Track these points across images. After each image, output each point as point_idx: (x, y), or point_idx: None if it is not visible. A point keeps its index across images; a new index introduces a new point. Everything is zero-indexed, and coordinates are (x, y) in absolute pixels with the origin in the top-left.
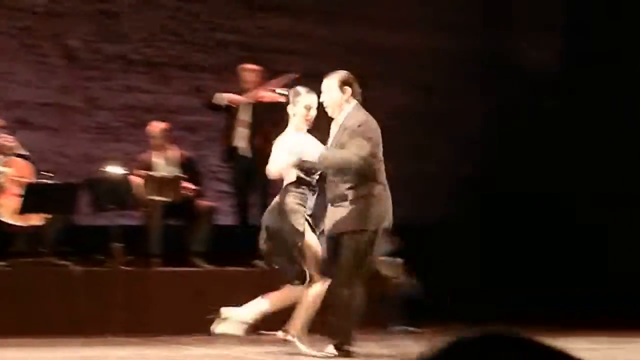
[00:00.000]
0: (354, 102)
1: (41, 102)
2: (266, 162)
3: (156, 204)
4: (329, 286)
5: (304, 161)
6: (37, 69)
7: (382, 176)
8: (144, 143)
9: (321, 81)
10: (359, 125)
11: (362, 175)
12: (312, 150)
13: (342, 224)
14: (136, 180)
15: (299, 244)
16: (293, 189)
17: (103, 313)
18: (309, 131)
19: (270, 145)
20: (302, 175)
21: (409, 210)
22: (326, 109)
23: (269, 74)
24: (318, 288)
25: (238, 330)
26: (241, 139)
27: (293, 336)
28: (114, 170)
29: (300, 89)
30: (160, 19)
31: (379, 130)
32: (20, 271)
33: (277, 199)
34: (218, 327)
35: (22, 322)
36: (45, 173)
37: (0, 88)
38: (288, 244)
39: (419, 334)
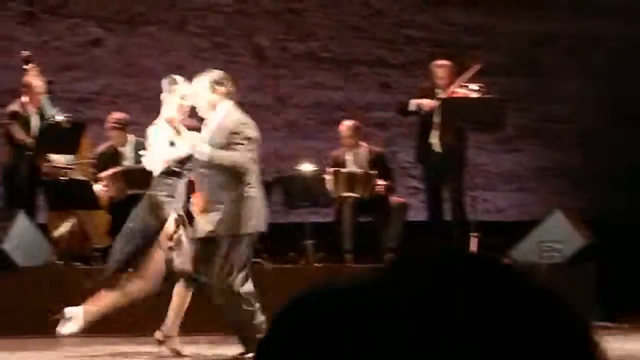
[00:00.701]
0: (228, 102)
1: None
2: (457, 158)
3: (348, 201)
4: (214, 290)
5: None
6: (227, 68)
7: (255, 177)
8: (334, 140)
9: (507, 74)
10: (240, 125)
11: (236, 177)
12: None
13: (217, 226)
14: (328, 177)
15: (166, 239)
16: (163, 180)
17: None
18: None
19: (461, 141)
20: (174, 167)
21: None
22: (197, 109)
23: (459, 69)
24: (182, 287)
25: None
26: (433, 136)
27: (163, 337)
28: (306, 167)
29: (177, 77)
30: (347, 16)
31: (256, 131)
32: None
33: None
34: (64, 328)
35: (214, 319)
36: None
37: None
38: (153, 240)
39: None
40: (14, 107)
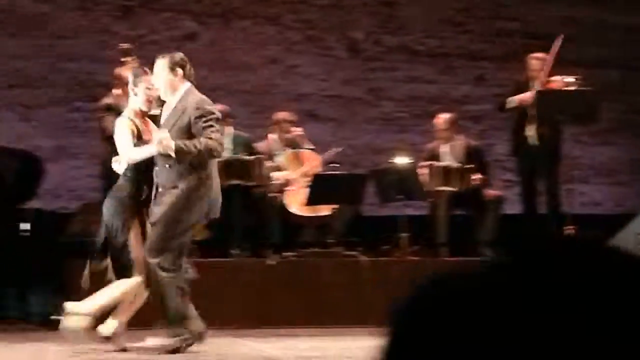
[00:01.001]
0: (187, 84)
1: (326, 95)
2: (553, 151)
3: (443, 194)
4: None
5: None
6: (321, 62)
7: (213, 163)
8: (429, 133)
9: (601, 66)
10: (206, 105)
11: (194, 162)
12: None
13: (170, 210)
14: (422, 170)
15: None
16: (129, 175)
17: (390, 303)
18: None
19: (556, 134)
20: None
21: None
22: (158, 92)
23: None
24: (132, 281)
25: (83, 323)
26: (528, 129)
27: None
28: (400, 160)
29: (145, 69)
30: (441, 9)
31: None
32: (308, 261)
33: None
34: (65, 323)
35: (310, 312)
36: (332, 164)
37: (286, 81)
38: (114, 234)
39: None
40: (107, 100)
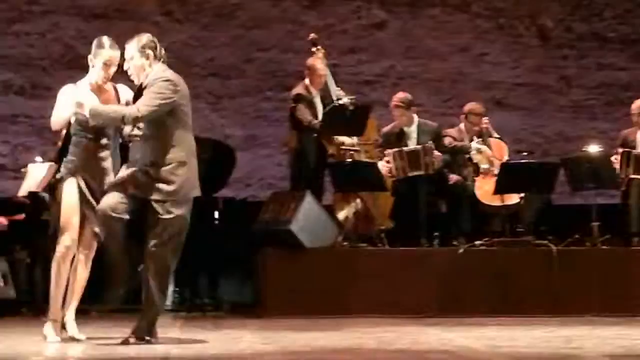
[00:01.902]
0: (158, 64)
1: (516, 82)
2: None
3: (636, 182)
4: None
5: (76, 113)
6: (511, 50)
7: (188, 142)
8: (621, 121)
9: None
10: (154, 80)
11: (166, 141)
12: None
13: (149, 190)
14: (616, 158)
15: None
16: (71, 148)
17: (581, 292)
18: None
19: None
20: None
21: None
22: (130, 76)
23: None
24: (61, 260)
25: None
26: None
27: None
28: (592, 149)
29: (104, 40)
30: None
31: (183, 92)
32: (498, 251)
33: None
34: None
35: (501, 301)
36: (523, 152)
37: (476, 69)
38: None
39: None
40: (298, 89)
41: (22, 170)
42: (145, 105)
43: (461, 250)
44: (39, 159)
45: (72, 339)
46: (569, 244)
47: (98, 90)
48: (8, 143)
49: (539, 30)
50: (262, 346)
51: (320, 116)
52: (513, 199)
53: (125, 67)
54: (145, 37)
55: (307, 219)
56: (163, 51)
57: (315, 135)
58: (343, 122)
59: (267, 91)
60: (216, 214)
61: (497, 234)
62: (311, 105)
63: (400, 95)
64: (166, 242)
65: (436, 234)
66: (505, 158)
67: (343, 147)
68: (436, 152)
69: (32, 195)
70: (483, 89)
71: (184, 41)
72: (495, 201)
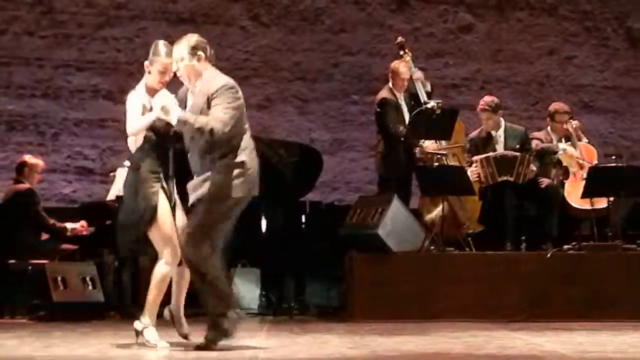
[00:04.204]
0: (209, 67)
1: (603, 85)
2: None
3: None
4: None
5: (160, 119)
6: (598, 52)
7: (247, 143)
8: None
9: None
10: (219, 89)
11: (226, 144)
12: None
13: (203, 190)
14: None
15: (150, 216)
16: (148, 153)
17: None
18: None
19: None
20: (154, 137)
21: None
22: (181, 79)
23: None
24: (164, 267)
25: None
26: None
27: (141, 324)
28: None
29: (161, 47)
30: None
31: (241, 94)
32: (586, 255)
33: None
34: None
35: (589, 306)
36: (611, 156)
37: (563, 72)
38: (138, 216)
39: None
40: (382, 94)
41: (111, 174)
42: (224, 117)
43: (549, 255)
44: (127, 163)
45: (186, 337)
46: None
47: (153, 96)
48: (97, 147)
49: (627, 33)
50: (349, 350)
51: (407, 120)
52: (603, 202)
53: (174, 69)
54: (195, 38)
55: (395, 223)
56: (212, 52)
57: (402, 139)
58: (430, 126)
59: (354, 95)
60: (303, 218)
61: (585, 238)
62: (397, 109)
63: (488, 98)
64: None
65: (523, 237)
66: (595, 162)
67: (431, 152)
68: (532, 166)
69: (121, 199)
70: (570, 92)
71: (270, 45)
72: (586, 205)
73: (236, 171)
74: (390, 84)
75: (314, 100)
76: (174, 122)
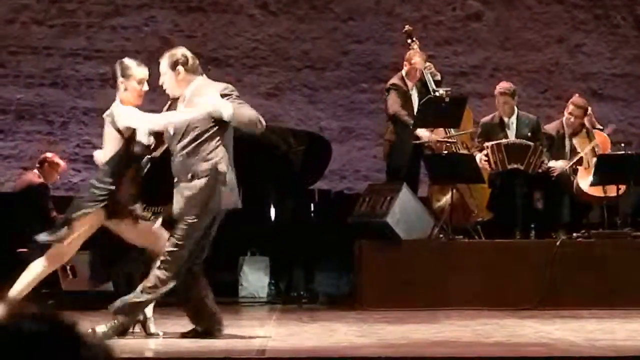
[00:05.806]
0: (198, 78)
1: (613, 73)
2: None
3: None
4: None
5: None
6: (608, 40)
7: (227, 155)
8: None
9: None
10: (226, 91)
11: (207, 153)
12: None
13: (184, 208)
14: None
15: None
16: (110, 166)
17: None
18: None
19: None
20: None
21: None
22: (167, 91)
23: None
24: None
25: None
26: None
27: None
28: None
29: (128, 62)
30: None
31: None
32: (596, 242)
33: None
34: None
35: (599, 293)
36: (620, 144)
37: (572, 60)
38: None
39: None
40: (393, 80)
41: None
42: (251, 111)
43: (559, 242)
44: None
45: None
46: None
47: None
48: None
49: (636, 20)
50: (358, 338)
51: (415, 110)
52: (611, 190)
53: (160, 82)
54: (175, 53)
55: (403, 212)
56: (197, 62)
57: (411, 127)
58: (439, 114)
59: (362, 83)
60: (312, 206)
61: (594, 226)
62: (405, 97)
63: (505, 84)
64: None
65: (532, 225)
66: (609, 151)
67: (439, 139)
68: (545, 158)
69: None
70: (579, 80)
71: (279, 33)
72: (598, 192)
73: (213, 184)
74: (403, 72)
75: (322, 89)
76: (226, 117)
